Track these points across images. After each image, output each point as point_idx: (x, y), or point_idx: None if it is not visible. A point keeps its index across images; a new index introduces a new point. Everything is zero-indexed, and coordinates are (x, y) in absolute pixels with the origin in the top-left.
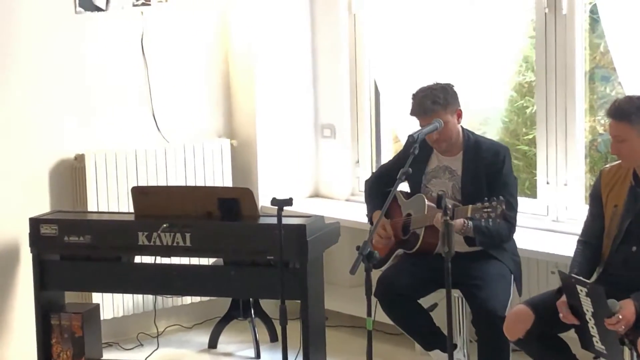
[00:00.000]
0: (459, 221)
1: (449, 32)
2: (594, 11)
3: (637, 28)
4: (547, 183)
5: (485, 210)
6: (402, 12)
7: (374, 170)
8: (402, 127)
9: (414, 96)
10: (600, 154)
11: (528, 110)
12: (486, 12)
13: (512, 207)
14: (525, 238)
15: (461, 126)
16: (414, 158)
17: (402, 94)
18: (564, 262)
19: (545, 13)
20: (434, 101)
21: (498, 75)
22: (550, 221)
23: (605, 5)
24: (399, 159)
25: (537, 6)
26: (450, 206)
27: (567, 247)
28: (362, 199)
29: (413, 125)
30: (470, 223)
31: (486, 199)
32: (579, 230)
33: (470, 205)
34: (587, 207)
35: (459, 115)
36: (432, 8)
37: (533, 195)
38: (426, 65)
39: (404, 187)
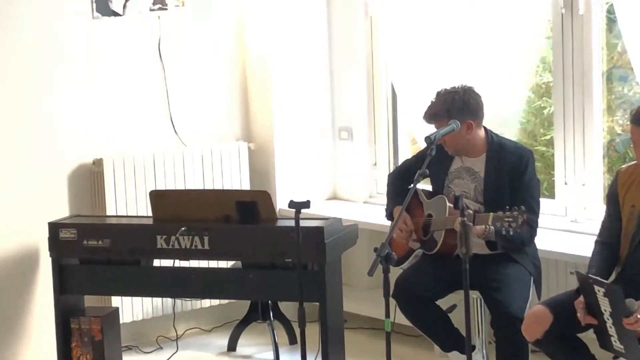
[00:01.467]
0: (480, 227)
1: (465, 34)
2: (610, 11)
3: None
4: (565, 184)
5: (507, 219)
6: (418, 14)
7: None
8: (419, 128)
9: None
10: (619, 154)
11: (545, 111)
12: (503, 14)
13: (534, 211)
14: (543, 239)
15: (484, 127)
16: (437, 157)
17: (419, 96)
18: (583, 263)
19: (562, 13)
20: (436, 113)
21: (515, 77)
22: (569, 222)
23: (622, 5)
24: (421, 158)
25: (554, 7)
26: (471, 210)
27: (585, 247)
28: (380, 201)
29: (430, 127)
30: (492, 227)
31: (508, 207)
32: (597, 231)
33: (492, 213)
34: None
35: (469, 127)
36: (449, 10)
37: (551, 195)
38: (443, 67)
39: (426, 184)
